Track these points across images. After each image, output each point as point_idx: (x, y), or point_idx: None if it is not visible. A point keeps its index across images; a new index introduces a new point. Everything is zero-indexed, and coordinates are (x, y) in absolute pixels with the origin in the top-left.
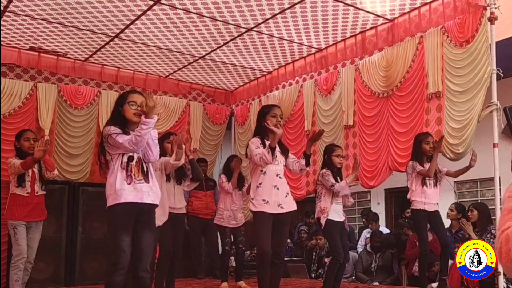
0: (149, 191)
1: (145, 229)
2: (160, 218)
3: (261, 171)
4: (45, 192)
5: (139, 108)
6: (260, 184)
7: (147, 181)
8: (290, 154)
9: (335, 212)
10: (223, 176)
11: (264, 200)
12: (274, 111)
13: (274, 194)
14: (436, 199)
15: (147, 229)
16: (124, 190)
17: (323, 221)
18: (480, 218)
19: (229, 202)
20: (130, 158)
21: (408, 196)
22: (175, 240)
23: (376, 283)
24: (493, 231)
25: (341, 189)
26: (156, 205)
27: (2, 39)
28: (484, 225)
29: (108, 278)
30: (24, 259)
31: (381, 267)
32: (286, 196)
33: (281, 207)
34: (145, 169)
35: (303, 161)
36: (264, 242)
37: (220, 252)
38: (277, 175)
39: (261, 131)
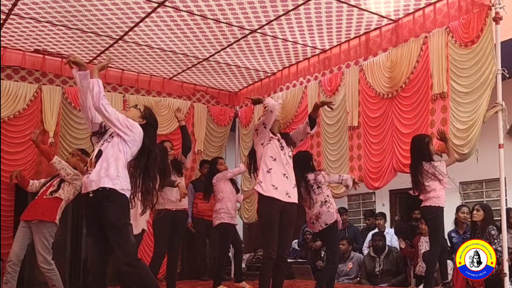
0: (94, 179)
1: (103, 224)
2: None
3: (271, 157)
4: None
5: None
6: (270, 169)
7: (94, 167)
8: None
9: None
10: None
11: (273, 186)
12: None
13: (283, 182)
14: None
15: (105, 228)
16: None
17: (338, 217)
18: (485, 219)
19: (234, 201)
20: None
21: (423, 198)
22: (172, 240)
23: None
24: (492, 232)
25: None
26: (111, 191)
27: (7, 41)
28: (485, 226)
29: None
30: (11, 262)
31: (386, 271)
32: (294, 187)
33: (289, 196)
34: (96, 158)
35: (308, 127)
36: (273, 243)
37: (220, 252)
38: (286, 164)
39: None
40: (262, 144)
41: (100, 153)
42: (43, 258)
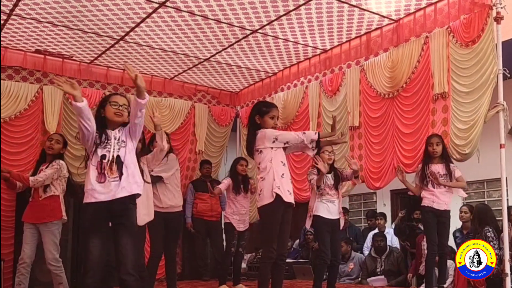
0: (125, 185)
1: (120, 230)
2: (142, 218)
3: (282, 162)
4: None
5: (120, 108)
6: (283, 175)
7: (121, 175)
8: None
9: (324, 209)
10: (228, 180)
11: (288, 191)
12: (273, 112)
13: (291, 187)
14: (445, 198)
15: (122, 230)
16: (95, 189)
17: (308, 220)
18: (473, 219)
19: (239, 207)
20: (103, 156)
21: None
22: (168, 240)
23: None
24: (488, 234)
25: (315, 181)
26: (136, 195)
27: (8, 42)
28: (477, 227)
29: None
30: (25, 264)
31: (387, 271)
32: None
33: (292, 197)
34: (117, 165)
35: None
36: (273, 243)
37: (224, 251)
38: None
39: (258, 127)
40: (272, 148)
41: (119, 159)
42: (52, 256)
